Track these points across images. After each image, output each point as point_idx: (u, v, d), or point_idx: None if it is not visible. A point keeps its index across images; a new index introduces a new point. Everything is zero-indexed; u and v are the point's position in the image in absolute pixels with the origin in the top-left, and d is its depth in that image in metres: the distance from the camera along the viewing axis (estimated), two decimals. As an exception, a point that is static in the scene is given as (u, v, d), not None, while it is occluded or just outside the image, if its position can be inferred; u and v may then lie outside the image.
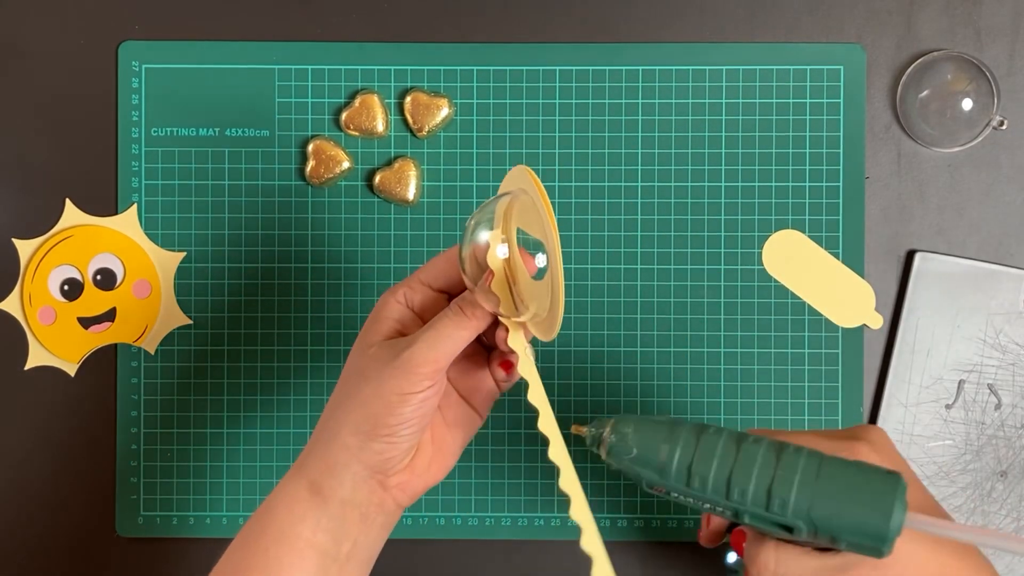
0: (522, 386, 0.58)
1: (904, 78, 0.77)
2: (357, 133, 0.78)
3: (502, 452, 0.78)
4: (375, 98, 0.77)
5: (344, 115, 0.78)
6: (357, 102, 0.77)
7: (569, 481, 0.57)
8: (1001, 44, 0.78)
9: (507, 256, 0.57)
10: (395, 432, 0.57)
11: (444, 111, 0.77)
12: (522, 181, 0.57)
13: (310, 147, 0.77)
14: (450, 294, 0.60)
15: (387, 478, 0.59)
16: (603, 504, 0.78)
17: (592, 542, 0.57)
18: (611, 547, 0.78)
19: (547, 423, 0.57)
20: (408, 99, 0.78)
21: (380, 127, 0.77)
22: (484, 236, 0.57)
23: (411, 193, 0.77)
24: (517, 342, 0.58)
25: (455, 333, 0.57)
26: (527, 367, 0.58)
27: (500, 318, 0.58)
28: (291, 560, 0.58)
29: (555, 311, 0.55)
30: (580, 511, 0.57)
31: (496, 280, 0.57)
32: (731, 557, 0.66)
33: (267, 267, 0.78)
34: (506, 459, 0.78)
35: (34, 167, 0.79)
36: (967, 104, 0.76)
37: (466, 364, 0.61)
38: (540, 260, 0.56)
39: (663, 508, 0.78)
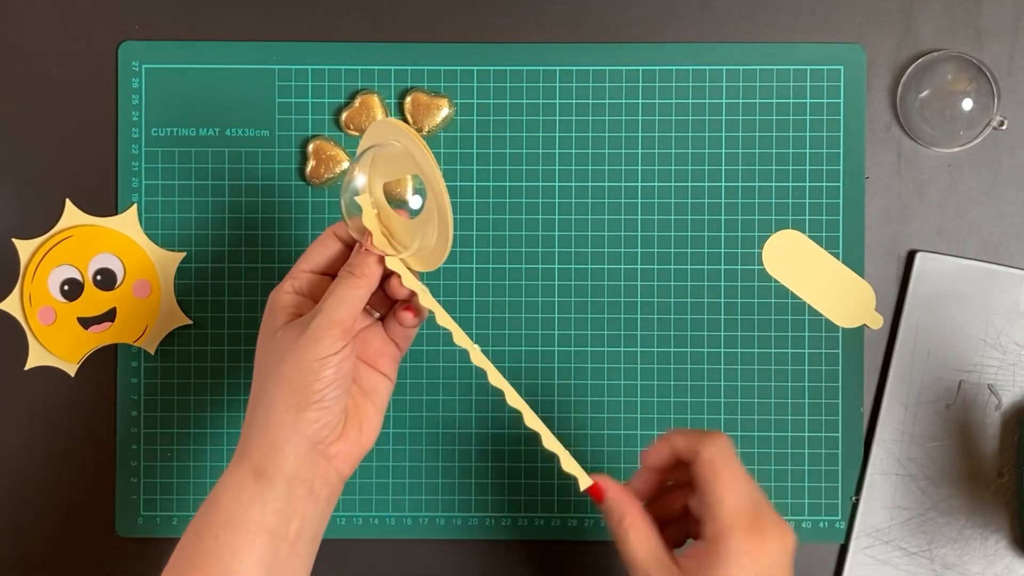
0: (443, 335, 0.65)
1: (904, 78, 0.77)
2: (357, 133, 0.78)
3: (502, 452, 0.78)
4: (375, 98, 0.77)
5: (344, 115, 0.78)
6: (357, 102, 0.77)
7: (513, 398, 0.65)
8: (1001, 44, 0.78)
9: (376, 214, 0.64)
10: (323, 396, 0.61)
11: (444, 111, 0.77)
12: (381, 132, 0.63)
13: (310, 147, 0.78)
14: (331, 274, 0.65)
15: (327, 447, 0.62)
16: (603, 504, 0.78)
17: (552, 443, 0.64)
18: (610, 547, 0.78)
19: (461, 339, 0.65)
20: (408, 99, 0.78)
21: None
22: (354, 204, 0.64)
23: (410, 193, 0.77)
24: (410, 281, 0.64)
25: (351, 293, 0.62)
26: (427, 299, 0.64)
27: (389, 267, 0.64)
28: (242, 545, 0.60)
29: (444, 234, 0.62)
30: (533, 422, 0.65)
31: (375, 237, 0.64)
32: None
33: (267, 267, 0.78)
34: (506, 459, 0.78)
35: (34, 167, 0.79)
36: (967, 104, 0.76)
37: (364, 335, 0.67)
38: (414, 202, 0.63)
39: (663, 508, 0.78)
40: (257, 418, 0.62)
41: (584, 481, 0.64)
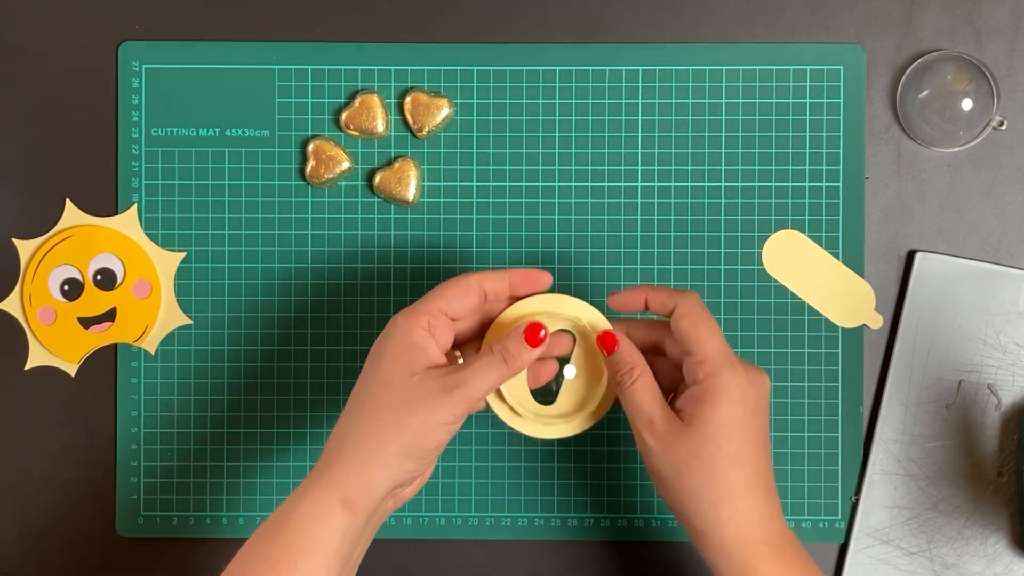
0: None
1: (904, 78, 0.77)
2: (357, 133, 0.78)
3: (502, 452, 0.78)
4: (375, 98, 0.77)
5: (344, 115, 0.78)
6: (357, 102, 0.77)
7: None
8: (1001, 44, 0.78)
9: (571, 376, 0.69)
10: (431, 455, 0.64)
11: (444, 111, 0.77)
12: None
13: (310, 147, 0.78)
14: (456, 318, 0.66)
15: (401, 491, 0.65)
16: (603, 504, 0.78)
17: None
18: (610, 547, 0.79)
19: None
20: (408, 99, 0.78)
21: (380, 127, 0.77)
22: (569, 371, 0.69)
23: (411, 193, 0.77)
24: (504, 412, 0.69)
25: (497, 375, 0.64)
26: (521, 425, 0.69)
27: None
28: (320, 572, 0.61)
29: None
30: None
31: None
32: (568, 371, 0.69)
33: (267, 267, 0.78)
34: (506, 459, 0.78)
35: (34, 167, 0.79)
36: (967, 104, 0.76)
37: None
38: (567, 371, 0.68)
39: (662, 508, 0.78)
40: (360, 450, 0.63)
41: (602, 324, 0.67)
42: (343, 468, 0.62)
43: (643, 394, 0.65)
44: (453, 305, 0.65)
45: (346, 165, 0.77)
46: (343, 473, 0.62)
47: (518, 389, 0.68)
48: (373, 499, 0.62)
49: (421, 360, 0.64)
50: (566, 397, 0.69)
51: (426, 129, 0.77)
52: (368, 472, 0.62)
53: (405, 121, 0.78)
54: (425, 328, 0.64)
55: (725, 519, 0.62)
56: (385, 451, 0.62)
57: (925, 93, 0.77)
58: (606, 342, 0.66)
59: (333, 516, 0.61)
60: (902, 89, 0.77)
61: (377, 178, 0.77)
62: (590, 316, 0.68)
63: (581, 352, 0.69)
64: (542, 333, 0.65)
